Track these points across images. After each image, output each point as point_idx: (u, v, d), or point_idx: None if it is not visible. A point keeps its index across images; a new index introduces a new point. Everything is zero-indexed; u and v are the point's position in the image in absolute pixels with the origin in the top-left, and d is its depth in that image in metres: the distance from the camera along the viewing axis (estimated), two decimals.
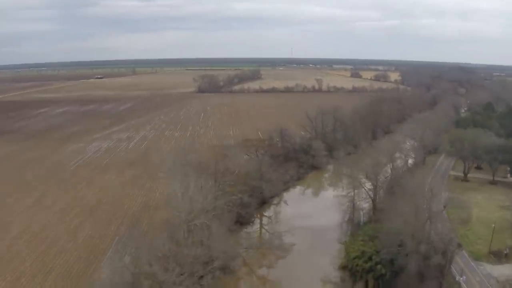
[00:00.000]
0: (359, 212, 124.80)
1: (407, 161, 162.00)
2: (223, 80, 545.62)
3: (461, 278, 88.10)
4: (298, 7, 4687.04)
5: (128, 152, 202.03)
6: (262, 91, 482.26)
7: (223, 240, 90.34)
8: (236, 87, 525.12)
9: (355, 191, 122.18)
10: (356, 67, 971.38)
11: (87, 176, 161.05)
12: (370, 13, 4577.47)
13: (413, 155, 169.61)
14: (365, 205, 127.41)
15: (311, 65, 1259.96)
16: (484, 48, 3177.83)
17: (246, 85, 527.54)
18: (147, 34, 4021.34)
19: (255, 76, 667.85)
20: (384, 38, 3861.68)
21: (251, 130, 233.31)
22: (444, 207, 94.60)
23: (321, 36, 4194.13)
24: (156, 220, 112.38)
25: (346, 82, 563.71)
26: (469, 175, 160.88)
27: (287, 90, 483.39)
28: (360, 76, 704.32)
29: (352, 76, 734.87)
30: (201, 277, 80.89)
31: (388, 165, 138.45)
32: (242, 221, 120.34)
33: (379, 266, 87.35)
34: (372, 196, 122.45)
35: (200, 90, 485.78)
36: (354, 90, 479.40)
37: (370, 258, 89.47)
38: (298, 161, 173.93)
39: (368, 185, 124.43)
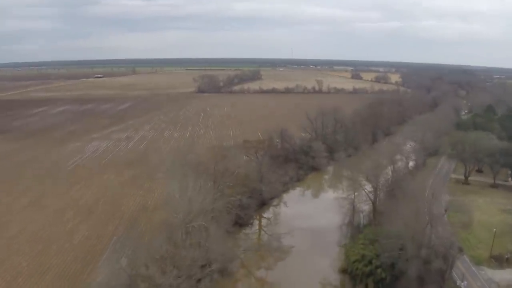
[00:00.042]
0: (359, 215, 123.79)
1: (407, 163, 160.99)
2: (223, 80, 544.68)
3: (462, 283, 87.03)
4: (299, 7, 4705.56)
5: (127, 152, 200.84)
6: (262, 91, 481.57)
7: (221, 242, 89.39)
8: (236, 88, 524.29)
9: (355, 193, 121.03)
10: (356, 68, 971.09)
11: (85, 176, 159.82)
12: (370, 14, 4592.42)
13: (413, 158, 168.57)
14: (365, 207, 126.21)
15: (311, 66, 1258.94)
16: (484, 51, 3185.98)
17: (246, 86, 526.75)
18: (148, 33, 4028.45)
19: (255, 76, 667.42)
20: (385, 40, 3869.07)
21: (251, 130, 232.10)
22: (446, 210, 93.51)
23: (321, 37, 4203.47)
24: (154, 221, 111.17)
25: (347, 83, 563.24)
26: (470, 178, 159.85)
27: (287, 91, 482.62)
28: (360, 78, 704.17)
29: (352, 77, 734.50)
30: (199, 280, 79.82)
31: (389, 167, 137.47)
32: (241, 223, 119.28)
33: (379, 270, 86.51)
34: (372, 198, 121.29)
35: (200, 90, 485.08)
36: (355, 91, 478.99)
37: (370, 262, 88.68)
38: (298, 162, 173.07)
39: (368, 187, 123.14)
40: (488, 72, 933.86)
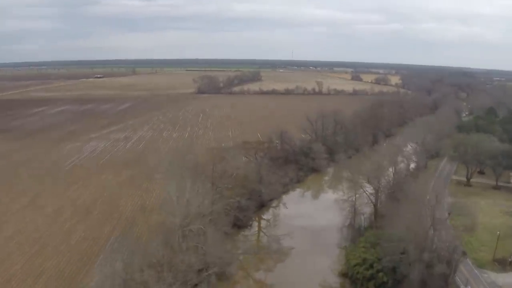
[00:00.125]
0: (360, 217, 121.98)
1: (409, 165, 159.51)
2: (223, 81, 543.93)
3: None
4: (299, 9, 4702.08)
5: (125, 152, 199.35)
6: (262, 92, 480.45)
7: (220, 245, 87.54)
8: (236, 89, 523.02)
9: (356, 195, 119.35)
10: (356, 70, 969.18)
11: (83, 176, 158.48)
12: (371, 17, 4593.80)
13: (415, 159, 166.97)
14: (366, 209, 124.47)
15: (311, 67, 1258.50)
16: (484, 53, 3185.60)
17: (246, 87, 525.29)
18: (148, 34, 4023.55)
19: (255, 77, 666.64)
20: (385, 42, 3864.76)
21: (251, 132, 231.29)
22: (449, 214, 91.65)
23: (321, 38, 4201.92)
24: (151, 223, 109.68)
25: (347, 85, 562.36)
26: (472, 180, 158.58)
27: (287, 92, 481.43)
28: (360, 79, 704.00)
29: (352, 79, 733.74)
30: (195, 285, 77.93)
31: (390, 169, 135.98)
32: (239, 225, 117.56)
33: (380, 274, 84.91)
34: (373, 200, 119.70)
35: (200, 91, 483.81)
36: (355, 93, 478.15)
37: (371, 266, 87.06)
38: (298, 163, 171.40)
39: (369, 189, 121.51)
40: (488, 75, 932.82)
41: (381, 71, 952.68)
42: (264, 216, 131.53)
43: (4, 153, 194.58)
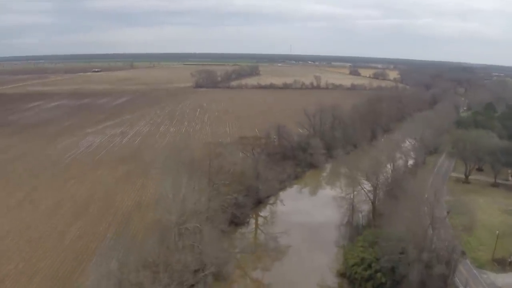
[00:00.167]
0: (358, 215, 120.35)
1: (407, 161, 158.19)
2: (220, 75, 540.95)
3: None
4: (299, 4, 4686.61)
5: (121, 147, 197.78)
6: (260, 87, 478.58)
7: (216, 244, 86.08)
8: (234, 83, 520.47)
9: (354, 192, 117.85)
10: (355, 64, 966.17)
11: (79, 172, 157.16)
12: (370, 12, 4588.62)
13: (413, 156, 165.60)
14: (364, 207, 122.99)
15: (310, 62, 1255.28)
16: (483, 48, 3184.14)
17: (244, 81, 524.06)
18: (146, 28, 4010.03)
19: (253, 72, 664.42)
20: (384, 37, 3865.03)
21: (248, 126, 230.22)
22: (448, 213, 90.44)
23: (320, 33, 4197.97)
24: (147, 220, 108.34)
25: (345, 79, 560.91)
26: (470, 177, 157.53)
27: (285, 87, 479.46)
28: (359, 74, 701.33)
29: (350, 73, 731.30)
30: (192, 286, 76.63)
31: (388, 166, 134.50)
32: (236, 222, 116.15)
33: (379, 274, 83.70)
34: (371, 198, 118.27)
35: (198, 85, 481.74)
36: (353, 87, 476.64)
37: (369, 266, 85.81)
38: (296, 159, 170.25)
39: (367, 186, 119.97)
40: (487, 70, 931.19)
41: (379, 65, 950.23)
42: (261, 213, 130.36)
43: (1, 148, 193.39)
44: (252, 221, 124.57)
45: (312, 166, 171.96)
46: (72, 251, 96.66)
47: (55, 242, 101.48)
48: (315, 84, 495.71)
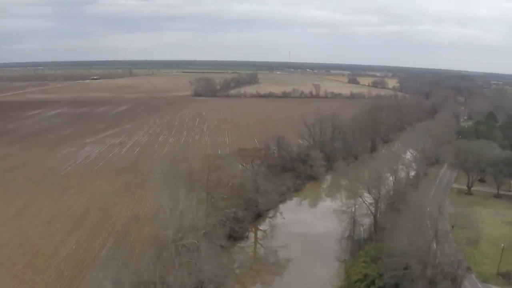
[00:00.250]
0: (359, 228, 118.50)
1: (408, 173, 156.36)
2: (219, 83, 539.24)
3: None
4: (298, 10, 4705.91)
5: (120, 158, 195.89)
6: (259, 95, 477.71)
7: (214, 260, 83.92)
8: (233, 91, 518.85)
9: (356, 206, 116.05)
10: (353, 72, 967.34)
11: (77, 183, 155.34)
12: (369, 18, 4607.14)
13: (414, 167, 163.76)
14: (366, 220, 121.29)
15: (308, 69, 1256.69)
16: (482, 56, 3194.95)
17: (243, 89, 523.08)
18: (146, 34, 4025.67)
19: (252, 80, 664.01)
20: (382, 44, 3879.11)
21: (248, 136, 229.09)
22: (453, 227, 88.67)
23: (319, 40, 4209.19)
24: (144, 235, 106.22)
25: (344, 88, 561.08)
26: (472, 188, 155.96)
27: (284, 95, 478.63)
28: (357, 82, 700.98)
29: (349, 82, 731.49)
30: None
31: (390, 178, 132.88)
32: (235, 236, 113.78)
33: None
34: (373, 211, 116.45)
35: (196, 94, 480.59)
36: (352, 96, 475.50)
37: (373, 282, 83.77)
38: (295, 171, 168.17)
39: (368, 199, 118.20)
40: (486, 78, 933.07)
41: (378, 73, 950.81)
42: (261, 227, 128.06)
43: (0, 157, 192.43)
44: (252, 235, 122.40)
45: (312, 178, 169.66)
46: (67, 266, 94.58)
47: (50, 256, 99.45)
48: (314, 93, 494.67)
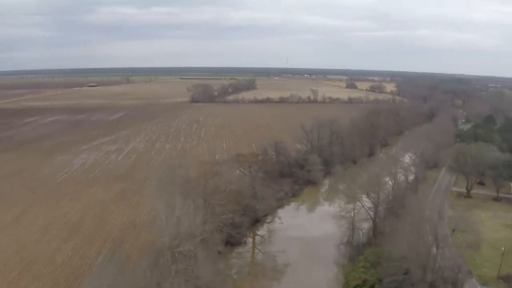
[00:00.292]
0: (358, 233, 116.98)
1: (407, 177, 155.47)
2: (217, 89, 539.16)
3: None
4: (297, 16, 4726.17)
5: (116, 164, 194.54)
6: (256, 101, 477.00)
7: (211, 266, 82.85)
8: (230, 97, 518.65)
9: (355, 210, 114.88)
10: (351, 77, 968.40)
11: (73, 190, 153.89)
12: (366, 24, 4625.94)
13: (413, 171, 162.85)
14: (365, 224, 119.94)
15: (306, 75, 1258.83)
16: (479, 60, 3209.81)
17: (240, 95, 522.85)
18: (145, 42, 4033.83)
19: (249, 86, 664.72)
20: (380, 49, 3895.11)
21: (245, 142, 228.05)
22: (453, 231, 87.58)
23: (317, 45, 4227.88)
24: (141, 242, 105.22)
25: (342, 92, 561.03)
26: (472, 191, 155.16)
27: (282, 101, 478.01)
28: (355, 87, 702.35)
29: (347, 86, 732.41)
30: None
31: (389, 182, 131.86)
32: (233, 242, 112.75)
33: None
34: (372, 216, 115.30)
35: (194, 100, 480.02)
36: (350, 101, 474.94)
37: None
38: (293, 176, 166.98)
39: (367, 203, 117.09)
40: (483, 81, 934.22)
41: (376, 78, 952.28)
42: (259, 232, 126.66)
43: None
44: (249, 240, 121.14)
45: (310, 183, 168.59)
46: (62, 275, 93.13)
47: (45, 265, 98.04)
48: (312, 98, 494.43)
